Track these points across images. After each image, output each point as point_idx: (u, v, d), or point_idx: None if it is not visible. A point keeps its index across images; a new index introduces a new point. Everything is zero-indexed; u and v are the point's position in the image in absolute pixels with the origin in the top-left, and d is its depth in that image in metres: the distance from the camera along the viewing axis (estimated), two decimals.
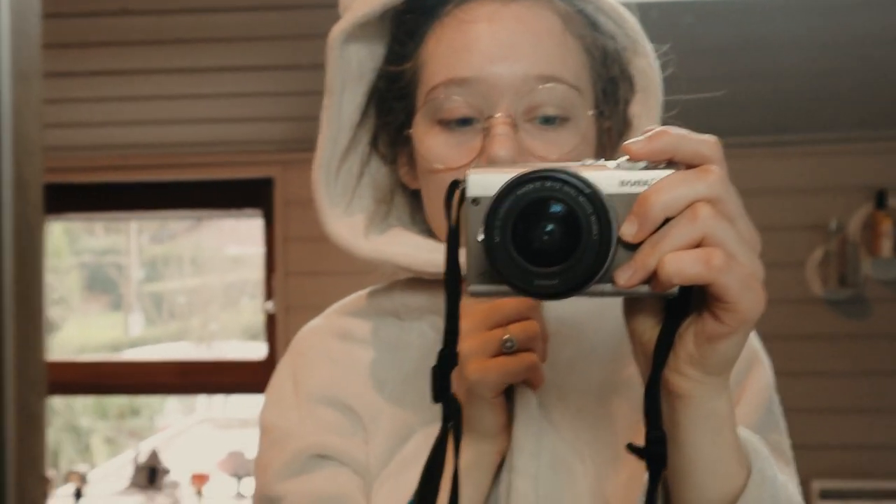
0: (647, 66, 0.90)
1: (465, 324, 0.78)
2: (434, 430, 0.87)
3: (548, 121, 0.85)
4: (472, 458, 0.82)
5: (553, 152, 0.85)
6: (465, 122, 0.86)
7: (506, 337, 0.78)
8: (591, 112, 0.88)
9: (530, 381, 0.82)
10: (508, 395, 0.83)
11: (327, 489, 0.88)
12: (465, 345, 0.79)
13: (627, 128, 0.93)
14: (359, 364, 0.93)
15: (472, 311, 0.79)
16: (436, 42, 0.88)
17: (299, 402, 0.92)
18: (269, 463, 0.91)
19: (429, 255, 0.89)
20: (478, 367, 0.78)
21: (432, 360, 0.89)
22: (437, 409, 0.86)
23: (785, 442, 0.92)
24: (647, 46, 0.90)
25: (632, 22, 0.90)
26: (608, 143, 0.93)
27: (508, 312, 0.79)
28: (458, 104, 0.86)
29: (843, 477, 3.42)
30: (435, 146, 0.87)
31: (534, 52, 0.85)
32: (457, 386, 0.79)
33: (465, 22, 0.87)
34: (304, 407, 0.92)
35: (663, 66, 0.92)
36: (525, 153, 0.84)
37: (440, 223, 0.89)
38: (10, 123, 0.35)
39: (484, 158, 0.84)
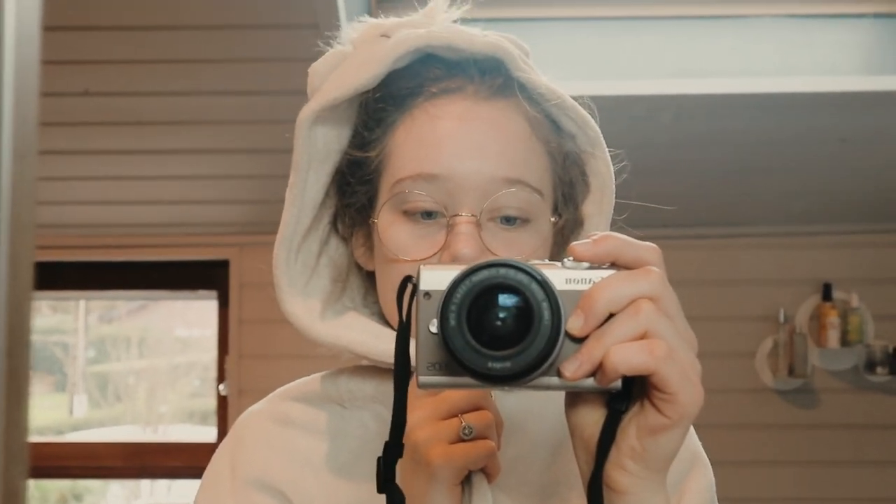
0: (604, 167, 0.93)
1: (416, 415, 0.79)
2: None
3: (509, 221, 0.88)
4: None
5: (514, 253, 0.87)
6: (428, 215, 0.88)
7: (464, 424, 0.79)
8: (552, 219, 0.90)
9: (488, 469, 0.82)
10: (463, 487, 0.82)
11: None
12: (421, 433, 0.79)
13: (579, 226, 0.95)
14: (296, 450, 0.92)
15: (423, 402, 0.80)
16: (405, 134, 0.89)
17: (235, 488, 0.91)
18: None
19: (386, 345, 0.89)
20: (442, 453, 0.78)
21: (370, 451, 0.88)
22: (369, 499, 0.86)
23: None
24: (605, 149, 0.93)
25: (593, 125, 0.92)
26: (561, 241, 0.95)
27: (459, 402, 0.80)
28: (423, 199, 0.87)
29: None
30: (399, 238, 0.88)
31: (502, 154, 0.87)
32: (410, 477, 0.79)
33: (436, 118, 0.88)
34: (240, 492, 0.91)
35: (618, 170, 0.94)
36: (486, 252, 0.86)
37: (394, 311, 0.90)
38: (8, 202, 0.36)
39: (447, 254, 0.86)
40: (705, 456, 0.95)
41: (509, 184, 0.87)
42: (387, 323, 0.94)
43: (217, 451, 0.96)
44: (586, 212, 0.94)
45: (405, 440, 0.78)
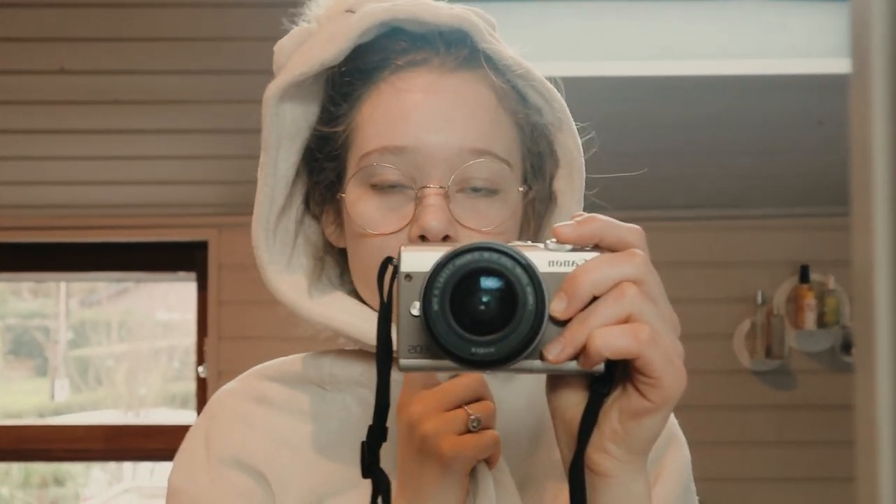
0: (572, 142, 0.93)
1: (420, 406, 0.79)
2: (344, 500, 0.87)
3: (478, 191, 0.88)
4: None
5: (483, 224, 0.87)
6: (396, 187, 0.87)
7: (473, 417, 0.79)
8: (521, 188, 0.90)
9: (491, 458, 0.83)
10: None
11: None
12: (429, 426, 0.79)
13: (552, 202, 0.95)
14: (273, 429, 0.92)
15: (424, 394, 0.80)
16: (371, 107, 0.89)
17: (210, 466, 0.91)
18: None
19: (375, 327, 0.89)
20: (454, 444, 0.78)
21: (352, 434, 0.89)
22: (349, 479, 0.87)
23: None
24: (572, 123, 0.93)
25: (559, 98, 0.92)
26: (532, 216, 0.95)
27: (462, 393, 0.80)
28: (391, 172, 0.87)
29: None
30: (367, 211, 0.88)
31: (468, 125, 0.88)
32: (417, 469, 0.79)
33: (402, 90, 0.88)
34: (215, 471, 0.90)
35: (588, 144, 0.94)
36: (455, 224, 0.86)
37: (367, 286, 0.90)
38: None
39: (416, 227, 0.86)
40: (681, 434, 0.96)
41: (477, 154, 0.87)
42: (364, 302, 0.93)
43: (191, 429, 0.96)
44: (557, 187, 0.94)
45: (409, 432, 0.79)
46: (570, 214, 0.92)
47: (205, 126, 3.00)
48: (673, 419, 0.94)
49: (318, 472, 0.89)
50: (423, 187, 0.86)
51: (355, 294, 0.95)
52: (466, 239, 0.86)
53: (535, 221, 0.95)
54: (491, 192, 0.88)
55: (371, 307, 0.91)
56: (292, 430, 0.92)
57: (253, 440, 0.91)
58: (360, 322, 0.90)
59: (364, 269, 0.89)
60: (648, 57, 2.72)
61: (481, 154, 0.87)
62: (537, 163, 0.93)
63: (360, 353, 0.93)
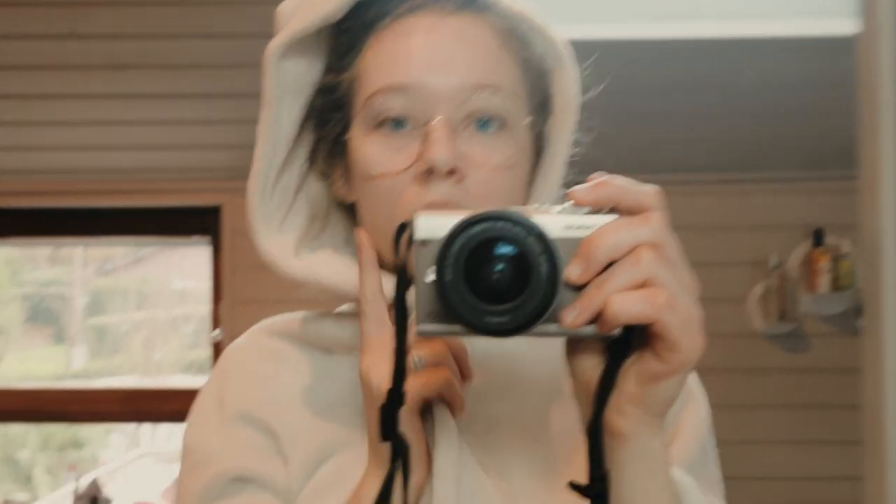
0: (570, 87, 0.92)
1: (368, 356, 0.80)
2: (352, 454, 0.87)
3: (484, 125, 0.87)
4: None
5: (491, 158, 0.86)
6: (400, 123, 0.87)
7: (414, 357, 0.78)
8: (526, 121, 0.90)
9: (449, 400, 0.82)
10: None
11: None
12: (374, 373, 0.79)
13: (546, 146, 0.94)
14: (282, 385, 0.92)
15: (373, 340, 0.80)
16: (374, 53, 0.89)
17: (222, 422, 0.91)
18: (189, 487, 0.90)
19: (356, 278, 0.87)
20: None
21: (358, 395, 0.87)
22: (357, 435, 0.87)
23: (717, 475, 0.94)
24: (573, 69, 0.92)
25: (561, 44, 0.92)
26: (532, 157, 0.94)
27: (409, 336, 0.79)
28: (395, 110, 0.87)
29: None
30: (372, 152, 0.88)
31: (471, 62, 0.87)
32: (369, 414, 0.80)
33: (404, 35, 0.88)
34: (227, 427, 0.91)
35: (589, 93, 0.94)
36: (463, 159, 0.85)
37: (379, 236, 0.87)
38: None
39: (421, 162, 0.85)
40: (700, 389, 0.95)
41: (481, 89, 0.87)
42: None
43: (203, 386, 0.97)
44: (549, 132, 0.94)
45: (364, 385, 0.79)
46: (560, 160, 0.92)
47: (219, 90, 2.99)
48: (693, 375, 0.93)
49: (323, 430, 0.90)
50: (428, 122, 0.85)
51: None
52: (474, 173, 0.86)
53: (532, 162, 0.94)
54: (498, 127, 0.87)
55: (383, 258, 0.89)
56: (301, 387, 0.92)
57: (262, 396, 0.92)
58: (345, 271, 0.90)
59: (374, 216, 0.89)
60: (657, 19, 2.70)
61: (485, 88, 0.87)
62: (542, 103, 0.93)
63: (353, 316, 0.93)
